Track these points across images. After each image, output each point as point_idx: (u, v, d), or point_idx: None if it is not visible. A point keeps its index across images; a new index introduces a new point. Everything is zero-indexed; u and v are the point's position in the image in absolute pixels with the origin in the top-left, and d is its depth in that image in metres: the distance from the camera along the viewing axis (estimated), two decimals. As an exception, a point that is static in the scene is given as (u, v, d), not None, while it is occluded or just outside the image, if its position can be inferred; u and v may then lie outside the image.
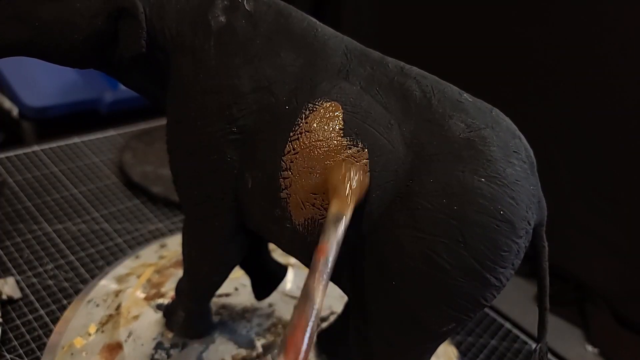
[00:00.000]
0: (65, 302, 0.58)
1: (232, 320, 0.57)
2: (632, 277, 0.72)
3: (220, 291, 0.51)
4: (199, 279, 0.48)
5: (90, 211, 0.72)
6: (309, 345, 0.28)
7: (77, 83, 0.95)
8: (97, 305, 0.56)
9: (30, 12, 0.38)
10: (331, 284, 0.43)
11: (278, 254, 0.64)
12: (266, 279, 0.55)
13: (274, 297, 0.57)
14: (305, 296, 0.30)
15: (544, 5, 0.71)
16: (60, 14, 0.38)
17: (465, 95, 0.37)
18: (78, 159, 0.82)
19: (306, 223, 0.38)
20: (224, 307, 0.58)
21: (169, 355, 0.51)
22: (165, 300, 0.56)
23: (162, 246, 0.67)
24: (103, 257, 0.65)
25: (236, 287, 0.61)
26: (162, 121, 0.94)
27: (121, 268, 0.62)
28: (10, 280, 0.59)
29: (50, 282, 0.61)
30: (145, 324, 0.54)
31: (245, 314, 0.58)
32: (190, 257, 0.47)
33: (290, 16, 0.40)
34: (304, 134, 0.37)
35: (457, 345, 0.64)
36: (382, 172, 0.35)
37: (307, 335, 0.28)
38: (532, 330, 0.70)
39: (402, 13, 0.89)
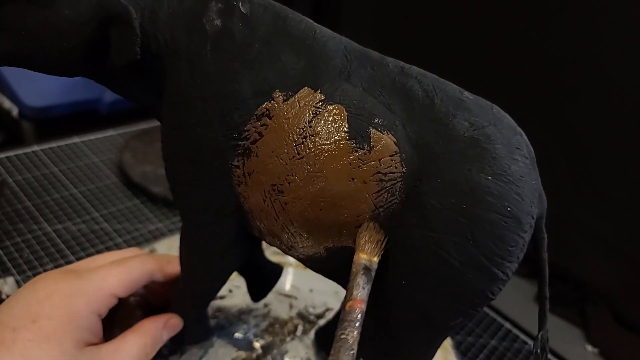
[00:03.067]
0: (65, 302, 0.58)
1: (229, 323, 0.57)
2: (632, 277, 0.72)
3: None
4: (200, 286, 0.48)
5: (90, 211, 0.72)
6: None
7: (77, 83, 0.96)
8: None
9: (15, 21, 0.36)
10: (327, 279, 0.44)
11: (270, 252, 0.64)
12: (262, 280, 0.55)
13: (268, 297, 0.57)
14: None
15: (543, 5, 0.71)
16: (48, 22, 0.36)
17: (466, 93, 0.38)
18: (78, 159, 0.82)
19: (310, 226, 0.38)
20: (219, 310, 0.58)
21: None
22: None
23: (152, 251, 0.66)
24: (103, 257, 0.65)
25: (230, 289, 0.61)
26: (162, 121, 0.94)
27: None
28: (10, 280, 0.59)
29: (50, 282, 0.61)
30: None
31: (241, 315, 0.58)
32: (190, 264, 0.46)
33: (287, 18, 0.39)
34: (308, 137, 0.36)
35: (457, 346, 0.64)
36: (390, 174, 0.36)
37: None
38: (532, 330, 0.70)
39: (402, 13, 0.89)
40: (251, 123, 0.38)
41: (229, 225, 0.42)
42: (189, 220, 0.44)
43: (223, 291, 0.60)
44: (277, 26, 0.38)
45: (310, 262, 0.42)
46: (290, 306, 0.61)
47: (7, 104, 0.96)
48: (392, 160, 0.36)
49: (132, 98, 0.43)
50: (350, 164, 0.36)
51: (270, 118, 0.38)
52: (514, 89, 0.75)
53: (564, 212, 0.75)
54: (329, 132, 0.36)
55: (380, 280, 0.38)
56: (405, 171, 0.36)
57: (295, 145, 0.37)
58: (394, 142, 0.36)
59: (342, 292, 0.68)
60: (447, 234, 0.35)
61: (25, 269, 0.62)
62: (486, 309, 0.72)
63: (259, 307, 0.60)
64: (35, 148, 0.82)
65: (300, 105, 0.37)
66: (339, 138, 0.36)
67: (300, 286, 0.64)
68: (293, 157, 0.37)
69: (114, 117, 0.96)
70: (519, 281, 0.76)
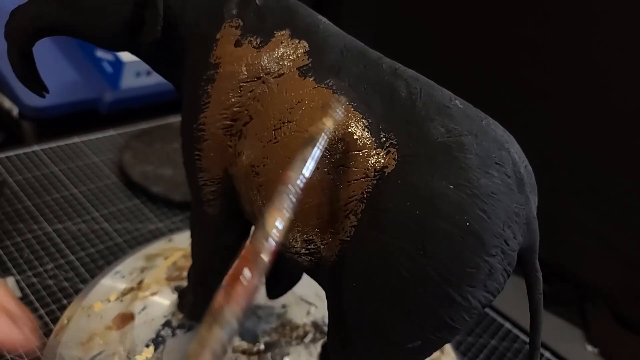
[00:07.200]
0: (65, 302, 0.58)
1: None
2: (632, 277, 0.72)
3: None
4: (202, 264, 0.50)
5: (90, 211, 0.72)
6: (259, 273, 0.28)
7: (77, 83, 0.95)
8: (123, 277, 0.60)
9: (73, 2, 0.42)
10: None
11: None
12: (281, 279, 0.55)
13: (288, 299, 0.57)
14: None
15: (541, 6, 0.71)
16: (96, 1, 0.42)
17: (457, 101, 0.36)
18: (78, 159, 0.82)
19: None
20: None
21: (173, 334, 0.53)
22: (184, 284, 0.58)
23: (170, 241, 0.68)
24: (103, 257, 0.65)
25: None
26: (162, 121, 0.94)
27: (152, 248, 0.65)
28: (10, 280, 0.59)
29: (50, 282, 0.61)
30: (160, 301, 0.57)
31: (257, 310, 0.59)
32: (193, 241, 0.49)
33: (297, 12, 0.41)
34: (286, 124, 0.38)
35: (457, 346, 0.64)
36: (353, 169, 0.36)
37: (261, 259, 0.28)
38: (532, 330, 0.70)
39: (402, 13, 0.89)
40: (245, 106, 0.40)
41: (221, 207, 0.45)
42: (193, 198, 0.46)
43: None
44: (284, 18, 0.41)
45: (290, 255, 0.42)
46: (308, 313, 0.60)
47: (7, 104, 0.96)
48: (360, 155, 0.36)
49: (163, 74, 0.48)
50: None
51: (260, 103, 0.40)
52: (514, 90, 0.75)
53: (564, 212, 0.75)
54: (305, 121, 0.37)
55: (337, 282, 0.37)
56: (369, 168, 0.35)
57: (273, 130, 0.38)
58: (364, 138, 0.36)
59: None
60: (397, 239, 0.33)
61: (26, 268, 0.62)
62: (486, 309, 0.72)
63: (277, 306, 0.59)
64: (35, 148, 0.82)
65: (286, 92, 0.39)
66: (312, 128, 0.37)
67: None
68: (270, 140, 0.38)
69: (114, 117, 0.96)
70: (519, 281, 0.76)
